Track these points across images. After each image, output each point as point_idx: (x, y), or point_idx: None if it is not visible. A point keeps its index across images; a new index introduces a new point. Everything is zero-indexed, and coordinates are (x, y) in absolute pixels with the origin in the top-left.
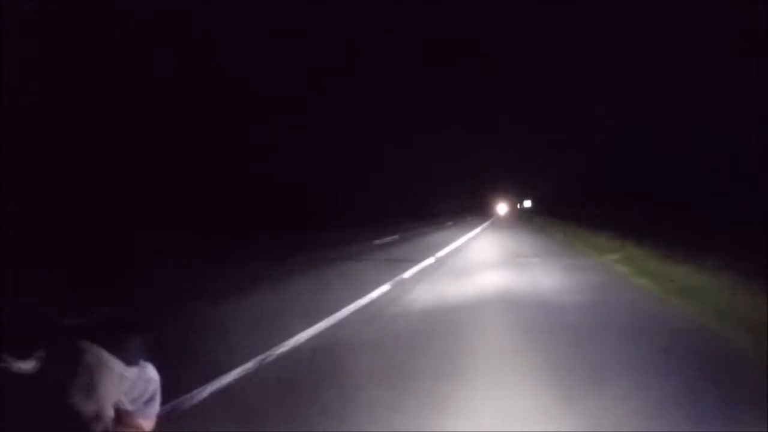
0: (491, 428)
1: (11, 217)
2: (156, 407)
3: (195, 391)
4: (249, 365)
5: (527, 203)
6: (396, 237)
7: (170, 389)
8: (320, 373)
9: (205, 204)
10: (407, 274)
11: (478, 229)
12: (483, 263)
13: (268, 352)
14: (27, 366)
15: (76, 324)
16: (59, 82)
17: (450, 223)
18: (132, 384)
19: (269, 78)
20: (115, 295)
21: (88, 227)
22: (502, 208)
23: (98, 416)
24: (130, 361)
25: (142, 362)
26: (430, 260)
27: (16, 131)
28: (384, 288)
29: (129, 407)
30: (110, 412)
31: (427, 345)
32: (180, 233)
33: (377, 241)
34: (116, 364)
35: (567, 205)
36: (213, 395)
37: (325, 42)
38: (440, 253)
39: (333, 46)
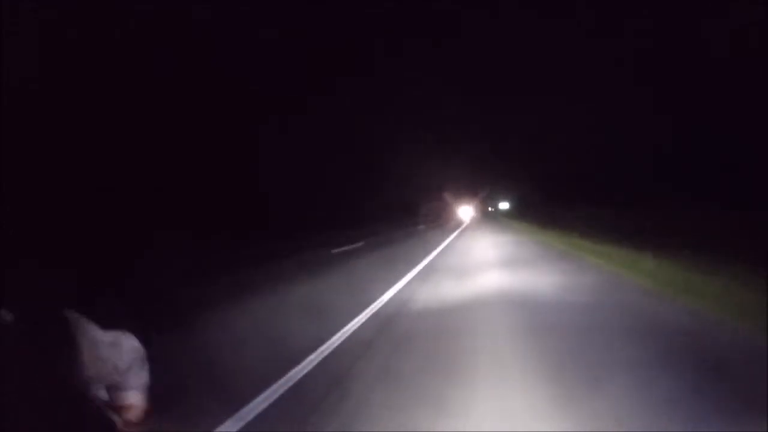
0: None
1: (11, 218)
2: (143, 379)
3: None
4: None
5: (503, 205)
6: None
7: None
8: None
9: (201, 204)
10: None
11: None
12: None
13: None
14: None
15: (53, 289)
16: (59, 83)
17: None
18: (109, 349)
19: (269, 78)
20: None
21: (87, 227)
22: (466, 212)
23: (86, 385)
24: (105, 325)
25: (121, 331)
26: None
27: (16, 131)
28: None
29: (115, 377)
30: (100, 388)
31: None
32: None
33: None
34: (90, 328)
35: (554, 209)
36: None
37: (326, 42)
38: None
39: (333, 46)
